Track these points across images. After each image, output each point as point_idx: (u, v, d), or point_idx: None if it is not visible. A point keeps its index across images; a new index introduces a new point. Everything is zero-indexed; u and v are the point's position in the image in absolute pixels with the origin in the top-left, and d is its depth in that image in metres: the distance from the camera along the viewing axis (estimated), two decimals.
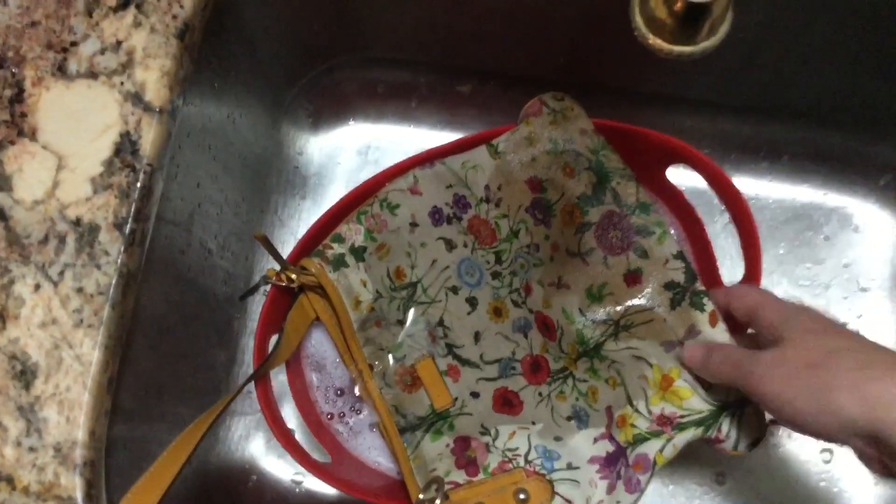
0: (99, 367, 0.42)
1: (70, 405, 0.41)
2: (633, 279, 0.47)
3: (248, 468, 0.61)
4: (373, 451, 0.49)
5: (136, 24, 0.46)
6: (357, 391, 0.49)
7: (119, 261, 0.43)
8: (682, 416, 0.43)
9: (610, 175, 0.48)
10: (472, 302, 0.50)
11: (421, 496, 0.43)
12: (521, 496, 0.43)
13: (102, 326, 0.42)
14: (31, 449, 0.41)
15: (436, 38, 0.62)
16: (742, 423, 0.44)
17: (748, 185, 0.64)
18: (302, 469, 0.48)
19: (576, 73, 0.63)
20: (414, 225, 0.50)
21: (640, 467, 0.43)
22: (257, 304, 0.62)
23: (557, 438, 0.46)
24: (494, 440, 0.46)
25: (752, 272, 0.50)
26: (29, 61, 0.46)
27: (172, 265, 0.49)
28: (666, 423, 0.44)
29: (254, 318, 0.60)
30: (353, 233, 0.48)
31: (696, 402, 0.44)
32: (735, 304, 0.43)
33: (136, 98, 0.45)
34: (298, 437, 0.49)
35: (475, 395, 0.49)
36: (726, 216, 0.51)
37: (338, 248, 0.48)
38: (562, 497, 0.43)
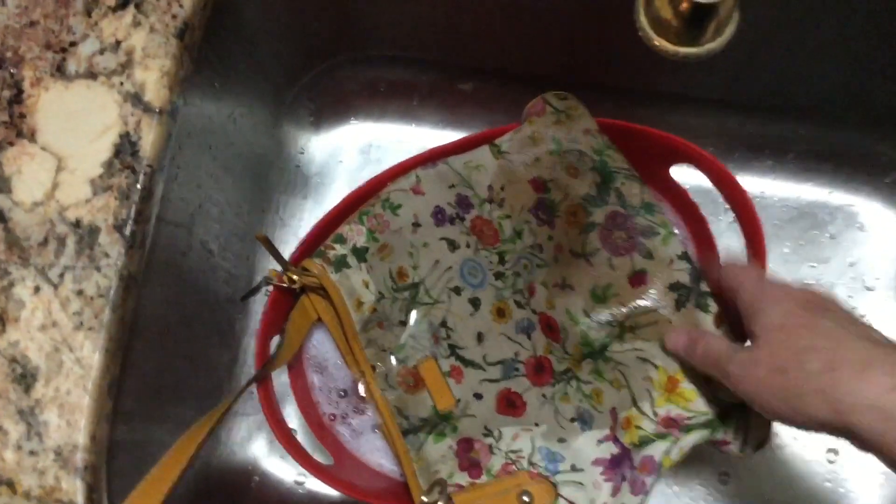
0: (99, 370, 0.41)
1: (71, 408, 0.41)
2: (638, 280, 0.47)
3: (251, 469, 0.61)
4: (375, 453, 0.49)
5: (136, 24, 0.46)
6: (361, 392, 0.49)
7: (119, 263, 0.43)
8: (688, 419, 0.43)
9: (614, 175, 0.48)
10: (475, 303, 0.50)
11: (424, 498, 0.43)
12: (525, 498, 0.43)
13: (103, 329, 0.42)
14: (32, 453, 0.41)
15: (437, 36, 0.62)
16: (748, 425, 0.43)
17: (753, 183, 0.64)
18: (304, 470, 0.48)
19: (578, 72, 0.62)
20: (416, 225, 0.49)
21: (647, 469, 0.43)
22: (259, 305, 0.62)
23: (561, 440, 0.46)
24: (498, 442, 0.46)
25: None
26: (28, 62, 0.45)
27: (173, 266, 0.49)
28: (672, 425, 0.43)
29: (255, 319, 0.60)
30: (355, 233, 0.48)
31: (702, 405, 0.43)
32: (722, 284, 0.43)
33: (136, 98, 0.44)
34: (300, 438, 0.49)
35: (478, 396, 0.49)
36: (731, 215, 0.50)
37: (340, 249, 0.47)
38: (566, 499, 0.43)
